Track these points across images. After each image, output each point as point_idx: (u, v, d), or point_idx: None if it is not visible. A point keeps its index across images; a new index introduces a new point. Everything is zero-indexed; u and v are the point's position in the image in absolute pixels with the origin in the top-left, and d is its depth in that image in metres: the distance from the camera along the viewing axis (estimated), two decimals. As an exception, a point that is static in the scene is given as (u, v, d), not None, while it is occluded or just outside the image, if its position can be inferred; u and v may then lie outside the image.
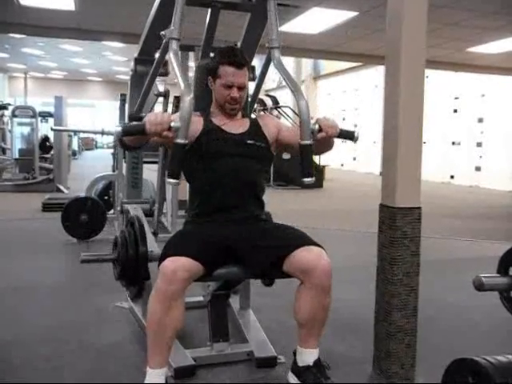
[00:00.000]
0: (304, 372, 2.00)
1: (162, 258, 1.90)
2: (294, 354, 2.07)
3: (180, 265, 1.82)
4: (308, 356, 2.01)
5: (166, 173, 1.79)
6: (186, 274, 1.83)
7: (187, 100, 1.77)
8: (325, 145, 2.08)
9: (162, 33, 2.00)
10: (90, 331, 2.75)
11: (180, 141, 1.76)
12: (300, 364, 2.02)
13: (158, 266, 1.89)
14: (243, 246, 2.02)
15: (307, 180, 1.92)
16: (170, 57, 1.93)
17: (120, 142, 2.05)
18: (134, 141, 2.00)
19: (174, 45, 1.94)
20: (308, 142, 1.89)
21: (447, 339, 2.76)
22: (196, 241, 1.98)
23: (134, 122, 2.18)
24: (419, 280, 2.18)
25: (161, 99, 4.61)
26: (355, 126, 16.65)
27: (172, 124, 1.75)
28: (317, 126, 1.92)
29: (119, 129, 1.82)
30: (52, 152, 10.56)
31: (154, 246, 2.52)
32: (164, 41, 2.02)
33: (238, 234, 2.04)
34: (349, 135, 2.02)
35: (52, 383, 2.18)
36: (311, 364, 1.99)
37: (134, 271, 2.48)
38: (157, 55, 2.99)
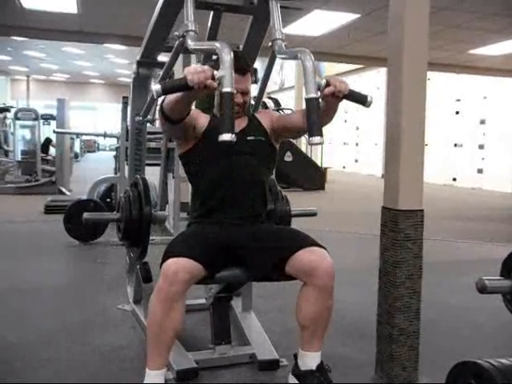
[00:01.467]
0: (307, 376, 1.98)
1: (164, 258, 1.90)
2: (295, 356, 2.06)
3: (181, 266, 1.82)
4: (311, 360, 1.99)
5: (222, 129, 1.55)
6: (188, 275, 1.83)
7: (226, 50, 1.61)
8: (329, 109, 1.91)
9: (176, 33, 1.98)
10: (93, 333, 2.75)
11: (227, 89, 1.56)
12: (302, 368, 2.00)
13: (160, 266, 1.89)
14: (245, 248, 2.02)
15: (315, 139, 1.62)
16: (191, 44, 1.85)
17: (161, 110, 1.86)
18: (176, 106, 1.80)
19: (191, 35, 1.88)
20: (313, 95, 1.66)
21: (450, 342, 2.75)
22: (198, 242, 1.98)
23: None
24: (422, 282, 2.18)
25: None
26: (357, 128, 16.67)
27: (215, 73, 1.58)
28: (324, 81, 1.74)
29: (158, 86, 1.58)
30: (50, 152, 10.60)
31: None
32: (177, 41, 2.02)
33: (240, 235, 2.04)
34: (361, 98, 1.81)
35: (52, 383, 2.19)
36: (314, 368, 1.98)
37: (137, 231, 2.47)
38: (159, 58, 2.99)
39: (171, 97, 1.75)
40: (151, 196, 5.00)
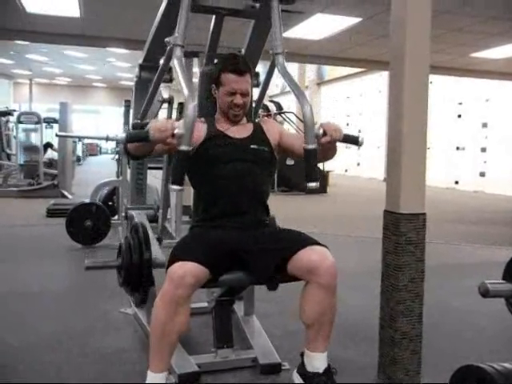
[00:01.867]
0: (313, 379, 1.98)
1: (169, 262, 1.90)
2: (302, 355, 2.05)
3: (188, 270, 1.82)
4: (317, 361, 1.98)
5: (170, 179, 1.77)
6: (194, 279, 1.83)
7: (191, 107, 1.77)
8: (328, 151, 2.06)
9: (167, 40, 2.00)
10: (94, 337, 2.75)
11: (184, 148, 1.75)
12: (309, 369, 1.99)
13: (166, 270, 1.89)
14: (248, 250, 2.02)
15: (312, 185, 1.90)
16: (174, 63, 1.93)
17: (125, 150, 2.03)
18: (138, 149, 1.97)
19: (178, 51, 1.95)
20: (312, 146, 1.88)
21: (452, 345, 2.75)
22: (203, 246, 1.97)
23: (138, 130, 2.19)
24: (424, 286, 2.17)
25: (165, 106, 4.63)
26: (359, 131, 16.66)
27: (176, 131, 1.75)
28: (321, 131, 1.91)
29: (123, 135, 1.81)
30: (47, 155, 10.61)
31: (158, 253, 2.52)
32: (168, 47, 2.03)
33: (242, 238, 2.04)
34: (353, 140, 2.01)
35: (52, 383, 2.19)
36: (321, 372, 1.97)
37: (137, 277, 2.48)
38: (161, 62, 3.00)
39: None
40: (153, 199, 5.00)
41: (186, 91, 1.79)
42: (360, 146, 2.01)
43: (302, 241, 2.00)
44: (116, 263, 2.62)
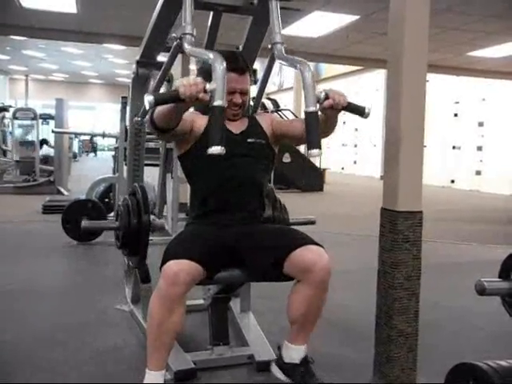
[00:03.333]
0: (291, 369, 2.00)
1: (164, 259, 1.89)
2: (279, 348, 2.07)
3: (183, 268, 1.82)
4: (295, 353, 2.00)
5: (210, 141, 1.56)
6: (189, 277, 1.83)
7: (219, 62, 1.61)
8: (328, 121, 1.92)
9: (173, 35, 1.98)
10: (90, 334, 2.74)
11: (219, 103, 1.57)
12: (286, 360, 2.01)
13: (160, 268, 1.89)
14: (244, 248, 2.02)
15: (314, 152, 1.67)
16: (188, 50, 1.86)
17: (151, 120, 1.88)
18: (166, 117, 1.82)
19: (188, 39, 1.89)
20: (313, 108, 1.70)
21: (448, 343, 2.75)
22: (198, 244, 1.97)
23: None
24: (420, 284, 2.18)
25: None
26: (356, 129, 16.68)
27: (207, 86, 1.58)
28: (323, 94, 1.76)
29: (151, 97, 1.59)
30: (42, 150, 10.58)
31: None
32: (174, 43, 2.02)
33: (238, 235, 2.04)
34: (359, 109, 1.85)
35: (52, 383, 2.18)
36: (298, 362, 1.99)
37: (135, 240, 2.47)
38: (159, 58, 2.99)
39: (162, 107, 1.76)
40: (150, 197, 4.99)
41: (211, 55, 1.66)
42: (366, 117, 1.85)
43: (298, 239, 1.99)
44: (114, 225, 2.61)
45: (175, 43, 2.03)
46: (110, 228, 2.63)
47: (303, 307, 1.94)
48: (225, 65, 1.60)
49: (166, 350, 1.92)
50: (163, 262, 1.88)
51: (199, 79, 1.60)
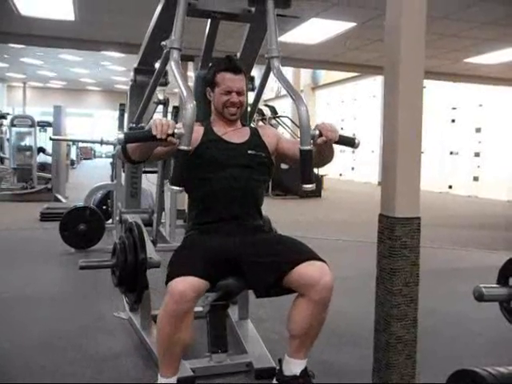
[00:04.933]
0: (290, 382, 2.00)
1: (169, 277, 1.89)
2: (280, 361, 2.07)
3: (188, 285, 1.83)
4: (296, 366, 2.00)
5: (169, 180, 1.76)
6: (195, 293, 1.85)
7: (190, 107, 1.75)
8: (325, 153, 2.04)
9: (163, 43, 2.00)
10: (88, 341, 2.73)
11: (183, 147, 1.74)
12: (286, 373, 2.02)
13: (166, 283, 1.89)
14: (245, 262, 2.00)
15: (307, 187, 1.87)
16: (172, 66, 1.92)
17: (123, 153, 1.98)
18: (137, 152, 1.95)
19: (175, 54, 1.94)
20: (308, 147, 1.85)
21: (447, 350, 2.75)
22: (200, 258, 1.96)
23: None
24: (419, 290, 2.17)
25: (160, 108, 4.62)
26: (353, 135, 16.66)
27: (176, 130, 1.73)
28: (317, 132, 1.89)
29: (121, 136, 1.75)
30: (39, 158, 10.57)
31: (153, 253, 2.51)
32: (165, 51, 2.03)
33: (240, 248, 2.02)
34: (349, 141, 1.99)
35: (52, 383, 2.17)
36: (298, 374, 1.99)
37: (132, 278, 2.47)
38: (157, 65, 3.00)
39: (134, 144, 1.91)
40: (148, 203, 4.99)
41: (184, 92, 1.77)
42: (356, 147, 2.00)
43: (300, 254, 1.97)
44: (111, 263, 2.61)
45: (165, 52, 2.04)
46: (108, 266, 2.64)
47: (304, 323, 1.94)
48: (195, 109, 1.77)
49: (177, 359, 1.98)
50: (168, 278, 1.88)
51: (171, 122, 1.76)
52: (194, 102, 1.77)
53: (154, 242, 3.09)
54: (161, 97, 3.78)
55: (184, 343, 1.92)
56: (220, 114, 2.17)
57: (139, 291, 2.52)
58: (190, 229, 2.21)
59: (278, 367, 2.10)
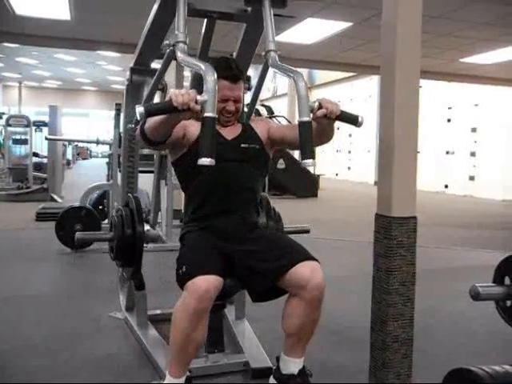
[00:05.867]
0: (288, 381, 2.00)
1: (187, 275, 1.86)
2: (277, 359, 2.07)
3: (212, 284, 1.82)
4: (293, 365, 2.00)
5: (200, 153, 1.57)
6: (216, 291, 1.85)
7: (211, 79, 1.63)
8: (324, 130, 1.95)
9: (166, 42, 1.99)
10: (84, 341, 2.73)
11: (209, 114, 1.58)
12: (284, 372, 2.02)
13: (181, 282, 1.88)
14: (240, 266, 2.01)
15: (308, 162, 1.69)
16: (180, 58, 1.87)
17: (141, 133, 1.90)
18: (157, 129, 1.85)
19: (181, 46, 1.90)
20: (307, 118, 1.72)
21: (444, 349, 2.75)
22: (214, 255, 1.97)
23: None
24: (415, 289, 2.18)
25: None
26: (349, 135, 16.74)
27: (198, 97, 1.60)
28: (316, 104, 1.78)
29: (141, 108, 1.59)
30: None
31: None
32: (168, 50, 2.02)
33: (236, 251, 2.02)
34: (352, 118, 1.87)
35: (51, 383, 2.17)
36: (296, 373, 1.99)
37: (130, 251, 2.46)
38: (153, 65, 2.99)
39: (154, 120, 1.78)
40: (144, 203, 4.97)
41: (203, 66, 1.68)
42: (359, 126, 1.87)
43: (293, 256, 1.97)
44: (108, 236, 2.60)
45: (168, 50, 2.03)
46: (104, 239, 2.62)
47: (297, 321, 1.95)
48: (216, 76, 1.63)
49: (190, 359, 1.97)
50: (186, 276, 1.86)
51: (191, 90, 1.63)
52: (216, 75, 1.65)
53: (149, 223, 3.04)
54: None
55: (199, 343, 1.92)
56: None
57: (136, 265, 2.50)
58: (187, 224, 2.20)
59: (275, 366, 2.10)
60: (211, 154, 1.57)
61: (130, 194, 2.69)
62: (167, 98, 1.64)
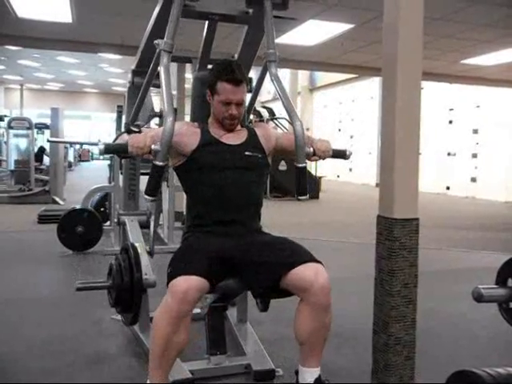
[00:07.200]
0: None
1: (170, 276, 1.87)
2: (296, 373, 2.03)
3: (192, 284, 1.80)
4: (308, 375, 1.97)
5: (145, 190, 1.86)
6: (197, 293, 1.83)
7: (169, 121, 1.77)
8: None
9: (156, 42, 2.00)
10: (85, 344, 2.72)
11: (158, 163, 1.83)
12: (300, 382, 1.99)
13: (167, 284, 1.87)
14: (242, 264, 1.99)
15: (302, 197, 2.06)
16: (161, 71, 1.92)
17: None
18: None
19: (165, 58, 1.94)
20: (303, 165, 2.02)
21: (446, 351, 2.75)
22: (202, 258, 1.94)
23: (119, 140, 2.16)
24: (417, 291, 2.17)
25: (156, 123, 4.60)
26: (351, 137, 16.74)
27: (152, 147, 1.85)
28: (311, 149, 2.10)
29: (102, 147, 1.89)
30: (44, 162, 10.56)
31: (148, 271, 2.50)
32: (157, 50, 2.02)
33: (237, 251, 2.01)
34: (340, 154, 2.23)
35: (51, 383, 2.17)
36: (312, 382, 1.96)
37: (128, 298, 2.46)
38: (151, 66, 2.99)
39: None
40: (146, 206, 4.98)
41: (166, 105, 1.79)
42: (347, 159, 2.24)
43: (296, 256, 1.96)
44: (107, 284, 2.60)
45: (157, 51, 2.03)
46: (104, 287, 2.63)
47: (307, 328, 1.93)
48: (173, 125, 1.83)
49: (170, 365, 1.90)
50: (170, 277, 1.86)
51: (148, 141, 1.89)
52: (174, 116, 1.83)
53: (151, 254, 3.06)
54: (157, 109, 3.72)
55: (181, 347, 1.87)
56: (218, 121, 2.16)
57: (135, 312, 2.51)
58: (189, 230, 2.20)
59: (286, 373, 2.10)
60: (153, 194, 1.86)
61: (127, 242, 2.69)
62: (128, 140, 1.92)
